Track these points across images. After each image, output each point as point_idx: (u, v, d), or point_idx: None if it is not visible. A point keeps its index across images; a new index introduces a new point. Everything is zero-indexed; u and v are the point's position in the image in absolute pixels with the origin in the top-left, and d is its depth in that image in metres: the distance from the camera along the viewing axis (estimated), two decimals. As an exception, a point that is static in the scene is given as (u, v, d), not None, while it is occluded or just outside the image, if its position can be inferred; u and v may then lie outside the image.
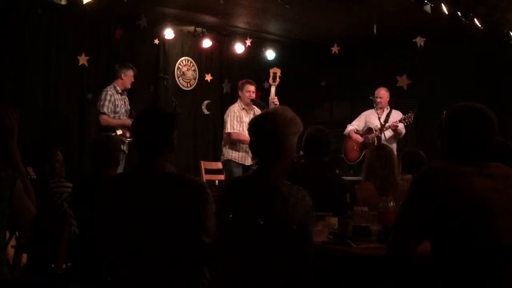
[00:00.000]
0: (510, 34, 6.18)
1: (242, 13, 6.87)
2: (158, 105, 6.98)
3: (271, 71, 6.30)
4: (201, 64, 7.87)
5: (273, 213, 2.21)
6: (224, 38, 7.91)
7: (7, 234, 2.56)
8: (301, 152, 3.97)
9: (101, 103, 5.82)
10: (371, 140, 6.31)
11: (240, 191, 2.37)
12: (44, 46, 6.27)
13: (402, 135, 6.34)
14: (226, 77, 8.10)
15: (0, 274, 2.14)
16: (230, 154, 6.02)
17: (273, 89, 6.19)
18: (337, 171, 5.49)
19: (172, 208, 2.27)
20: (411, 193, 2.13)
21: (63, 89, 6.44)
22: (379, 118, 6.20)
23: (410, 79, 7.31)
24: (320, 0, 5.70)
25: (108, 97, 5.83)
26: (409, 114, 6.15)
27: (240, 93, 6.14)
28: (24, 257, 3.42)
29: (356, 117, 6.80)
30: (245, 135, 5.65)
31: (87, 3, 5.32)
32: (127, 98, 6.12)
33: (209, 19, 7.10)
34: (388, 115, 6.21)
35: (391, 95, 6.53)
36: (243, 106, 6.08)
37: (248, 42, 7.68)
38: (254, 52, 8.01)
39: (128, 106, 6.09)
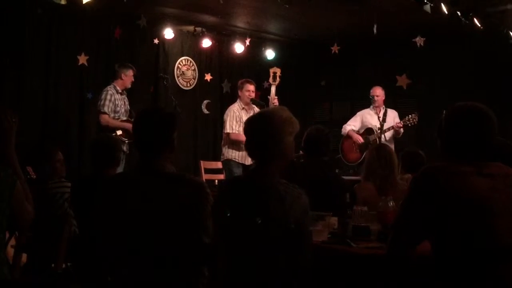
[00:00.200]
0: (510, 34, 6.18)
1: (242, 13, 6.87)
2: (158, 105, 6.98)
3: (271, 70, 6.29)
4: (201, 64, 7.87)
5: (270, 212, 2.21)
6: (223, 37, 7.91)
7: (7, 234, 2.57)
8: (300, 151, 3.97)
9: (102, 102, 5.82)
10: (372, 141, 6.29)
11: (237, 190, 2.37)
12: (44, 46, 6.27)
13: (401, 134, 6.35)
14: (225, 77, 8.10)
15: (0, 274, 2.14)
16: (230, 153, 6.02)
17: (273, 89, 6.17)
18: (336, 170, 5.51)
19: (172, 208, 2.28)
20: (411, 192, 2.12)
21: (63, 89, 6.44)
22: (379, 118, 6.19)
23: (410, 79, 7.32)
24: (320, 0, 5.70)
25: (108, 97, 5.83)
26: (413, 115, 6.14)
27: (239, 93, 6.13)
28: (24, 257, 3.42)
29: (355, 117, 6.79)
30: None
31: (86, 3, 5.33)
32: (126, 98, 6.12)
33: (208, 18, 7.10)
34: (385, 115, 6.20)
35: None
36: (243, 106, 6.08)
37: (248, 42, 7.69)
38: (254, 51, 8.01)
39: (128, 106, 6.09)
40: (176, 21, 7.13)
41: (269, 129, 2.31)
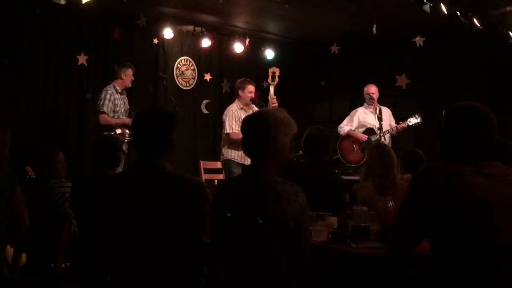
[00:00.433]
0: (509, 34, 6.18)
1: (241, 13, 6.87)
2: (158, 104, 6.98)
3: (270, 70, 6.28)
4: (200, 64, 7.87)
5: (268, 211, 2.21)
6: (223, 37, 7.91)
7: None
8: (300, 151, 3.97)
9: (101, 102, 5.82)
10: (374, 142, 6.26)
11: (234, 190, 2.38)
12: (43, 46, 6.26)
13: (398, 133, 6.35)
14: (225, 77, 8.09)
15: (0, 273, 2.14)
16: (230, 153, 6.01)
17: (272, 89, 6.17)
18: (336, 170, 5.51)
19: (171, 208, 2.27)
20: (410, 192, 2.12)
21: (62, 89, 6.43)
22: (378, 118, 6.17)
23: (409, 79, 7.31)
24: (320, 0, 5.70)
25: (108, 96, 5.83)
26: (417, 115, 6.12)
27: (240, 93, 6.10)
28: (24, 257, 3.42)
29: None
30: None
31: (86, 3, 5.32)
32: (126, 98, 6.12)
33: (208, 18, 7.10)
34: (380, 113, 6.18)
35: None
36: (242, 106, 6.07)
37: (247, 42, 7.68)
38: (253, 51, 8.01)
39: (127, 106, 6.09)
40: (175, 21, 7.13)
41: (265, 128, 2.32)
